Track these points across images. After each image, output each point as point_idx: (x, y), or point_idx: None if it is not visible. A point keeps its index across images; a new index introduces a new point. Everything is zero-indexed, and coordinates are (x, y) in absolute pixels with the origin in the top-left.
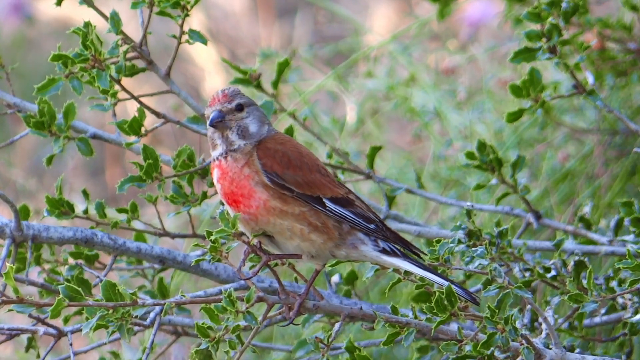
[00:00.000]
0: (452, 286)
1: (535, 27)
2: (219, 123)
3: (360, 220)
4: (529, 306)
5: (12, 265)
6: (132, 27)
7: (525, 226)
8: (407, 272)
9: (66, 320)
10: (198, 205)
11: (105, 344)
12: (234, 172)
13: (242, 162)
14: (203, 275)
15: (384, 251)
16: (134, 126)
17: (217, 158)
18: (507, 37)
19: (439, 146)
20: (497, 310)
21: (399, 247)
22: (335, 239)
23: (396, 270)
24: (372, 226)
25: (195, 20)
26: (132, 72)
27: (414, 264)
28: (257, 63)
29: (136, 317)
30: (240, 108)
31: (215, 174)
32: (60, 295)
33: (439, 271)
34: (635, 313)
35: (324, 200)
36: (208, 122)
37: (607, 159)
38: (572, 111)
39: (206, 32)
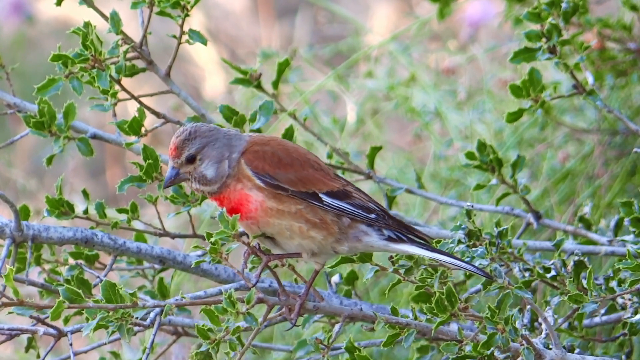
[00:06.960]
0: (464, 264)
1: (535, 27)
2: (175, 181)
3: (359, 211)
4: (529, 306)
5: (12, 267)
6: (132, 27)
7: (525, 226)
8: (407, 272)
9: (66, 321)
10: (198, 205)
11: (106, 344)
12: (228, 192)
13: (230, 182)
14: (203, 275)
15: (390, 239)
16: (134, 126)
17: (211, 195)
18: (507, 37)
19: (439, 146)
20: (497, 311)
21: (404, 233)
22: (335, 234)
23: (396, 270)
24: (372, 216)
25: (195, 20)
26: (132, 72)
27: (423, 248)
28: (258, 63)
29: (136, 317)
30: (191, 160)
31: (218, 205)
32: (61, 297)
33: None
34: (635, 313)
35: (320, 195)
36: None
37: (607, 159)
38: (572, 111)
39: (206, 32)
